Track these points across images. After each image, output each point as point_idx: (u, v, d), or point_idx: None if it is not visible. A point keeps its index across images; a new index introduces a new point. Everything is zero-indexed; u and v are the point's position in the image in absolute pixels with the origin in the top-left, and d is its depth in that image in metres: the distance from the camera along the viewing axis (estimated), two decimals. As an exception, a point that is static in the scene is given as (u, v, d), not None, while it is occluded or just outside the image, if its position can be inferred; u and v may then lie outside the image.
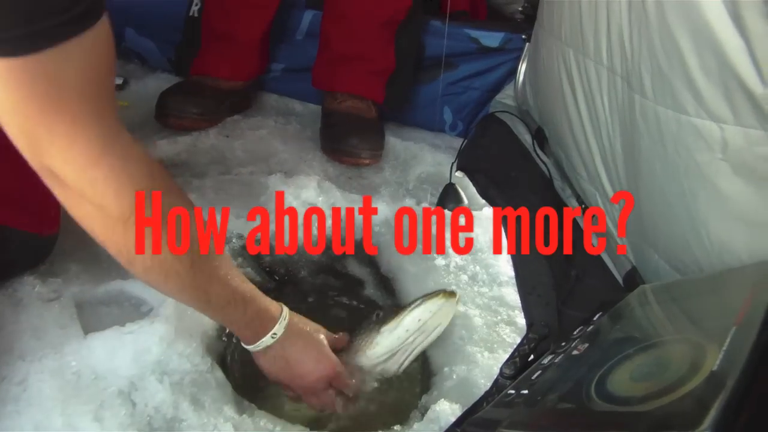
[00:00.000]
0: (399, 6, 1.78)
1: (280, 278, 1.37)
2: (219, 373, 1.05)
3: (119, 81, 2.05)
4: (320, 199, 1.49)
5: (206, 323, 1.12)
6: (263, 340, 1.03)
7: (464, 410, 0.93)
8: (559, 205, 1.38)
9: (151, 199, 0.84)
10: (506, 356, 1.09)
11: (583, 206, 1.33)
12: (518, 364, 0.93)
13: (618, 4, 1.09)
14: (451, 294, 1.14)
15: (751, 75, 0.77)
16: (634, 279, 1.11)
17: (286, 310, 1.06)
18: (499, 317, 1.21)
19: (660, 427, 0.54)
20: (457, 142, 1.72)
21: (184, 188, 1.49)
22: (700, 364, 0.63)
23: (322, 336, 1.10)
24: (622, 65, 1.09)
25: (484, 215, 1.49)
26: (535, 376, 0.82)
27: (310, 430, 1.03)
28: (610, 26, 1.13)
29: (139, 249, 0.85)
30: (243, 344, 1.06)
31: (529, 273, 1.25)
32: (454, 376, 1.10)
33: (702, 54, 0.84)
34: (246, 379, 1.12)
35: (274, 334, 1.03)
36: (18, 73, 0.68)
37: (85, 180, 0.79)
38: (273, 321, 1.03)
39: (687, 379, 0.61)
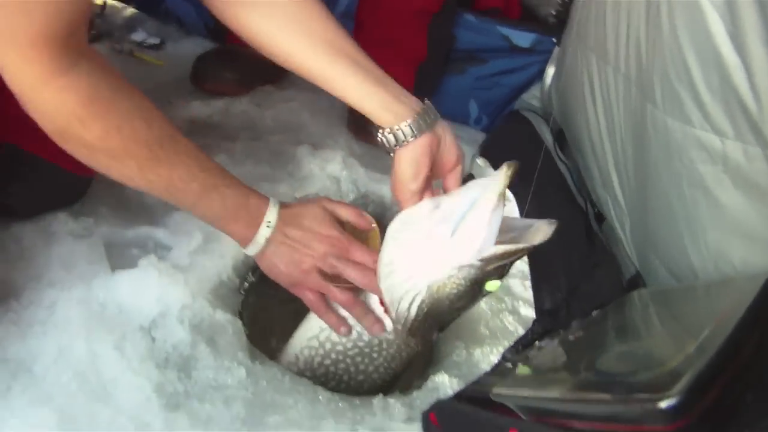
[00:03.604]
0: None
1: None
2: (235, 322, 1.10)
3: (156, 41, 2.11)
4: (344, 173, 1.55)
5: (226, 273, 1.18)
6: (259, 232, 1.01)
7: (464, 385, 0.99)
8: (578, 205, 1.44)
9: (98, 102, 0.87)
10: (506, 343, 1.16)
11: (595, 210, 1.39)
12: (520, 350, 0.99)
13: (637, 14, 1.14)
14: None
15: (749, 95, 0.82)
16: (636, 283, 1.17)
17: (274, 199, 1.05)
18: (503, 305, 1.27)
19: (635, 390, 0.60)
20: (480, 136, 1.78)
21: (215, 150, 1.58)
22: (679, 352, 0.69)
23: (320, 209, 1.06)
24: (637, 73, 1.14)
25: (507, 208, 1.52)
26: (531, 353, 0.89)
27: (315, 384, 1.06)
28: (629, 34, 1.18)
29: (92, 139, 0.88)
30: (244, 250, 1.04)
31: (543, 263, 1.31)
32: (455, 355, 1.15)
33: (706, 69, 0.90)
34: (259, 332, 1.16)
35: (269, 222, 1.02)
36: None
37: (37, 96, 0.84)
38: (262, 208, 1.02)
39: (666, 360, 0.67)
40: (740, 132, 0.86)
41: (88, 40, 1.87)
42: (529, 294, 1.31)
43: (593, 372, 0.72)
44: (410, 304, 0.94)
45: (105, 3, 2.22)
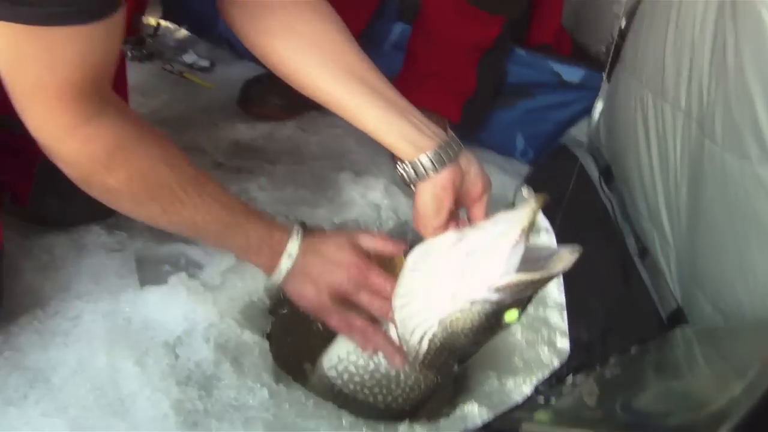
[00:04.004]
0: (487, 34, 1.81)
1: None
2: (263, 343, 1.08)
3: (206, 63, 2.15)
4: (385, 201, 1.53)
5: (257, 294, 1.16)
6: (281, 263, 1.01)
7: (493, 416, 0.95)
8: (619, 240, 1.39)
9: (123, 150, 0.89)
10: (540, 374, 1.11)
11: (640, 246, 1.34)
12: (554, 384, 0.95)
13: (702, 50, 1.11)
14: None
15: None
16: (678, 318, 1.12)
17: (300, 228, 1.04)
18: (539, 336, 1.22)
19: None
20: (525, 169, 1.76)
21: (257, 172, 1.58)
22: (724, 393, 0.64)
23: (344, 238, 1.05)
24: (698, 110, 1.11)
25: (542, 238, 1.49)
26: (565, 389, 0.84)
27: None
28: (692, 72, 1.15)
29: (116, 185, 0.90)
30: (270, 279, 1.04)
31: (579, 296, 1.26)
32: (487, 385, 1.11)
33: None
34: (287, 355, 1.13)
35: (290, 254, 1.01)
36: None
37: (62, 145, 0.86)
38: (284, 240, 1.02)
39: (708, 403, 0.63)
40: None
41: (141, 59, 1.91)
42: (565, 325, 1.26)
43: (629, 412, 0.68)
44: (422, 338, 0.91)
45: (158, 24, 2.28)
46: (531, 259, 0.85)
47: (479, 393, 1.10)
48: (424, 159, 0.94)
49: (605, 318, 1.18)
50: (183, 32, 2.30)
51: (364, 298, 1.01)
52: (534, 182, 1.64)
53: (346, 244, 1.03)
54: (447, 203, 0.95)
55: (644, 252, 1.32)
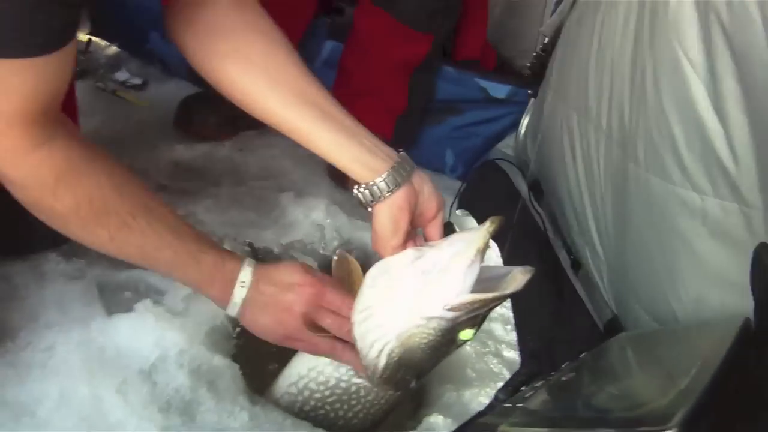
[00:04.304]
0: (417, 51, 1.87)
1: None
2: (233, 366, 1.12)
3: (139, 81, 2.13)
4: (328, 221, 1.58)
5: (220, 319, 1.20)
6: (234, 293, 1.01)
7: (460, 424, 1.00)
8: (551, 254, 1.49)
9: (71, 175, 0.89)
10: (493, 384, 1.19)
11: (572, 257, 1.45)
12: (512, 391, 1.01)
13: (621, 76, 1.20)
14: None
15: (729, 157, 0.90)
16: (614, 326, 1.22)
17: (252, 257, 1.04)
18: (487, 349, 1.31)
19: (638, 423, 0.65)
20: (456, 184, 1.82)
21: (200, 195, 1.61)
22: (672, 388, 0.73)
23: (297, 263, 1.05)
24: (620, 132, 1.21)
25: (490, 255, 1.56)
26: (528, 395, 0.92)
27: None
28: (612, 95, 1.24)
29: (63, 210, 0.90)
30: (225, 312, 1.04)
31: (523, 309, 1.35)
32: (446, 397, 1.18)
33: (688, 133, 0.97)
34: (256, 377, 1.17)
35: (243, 282, 1.00)
36: None
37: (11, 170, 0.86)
38: (236, 269, 1.01)
39: (659, 397, 0.71)
40: (718, 190, 0.93)
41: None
42: (510, 337, 1.35)
43: (592, 410, 0.77)
44: (380, 352, 0.94)
45: (90, 40, 2.23)
46: (484, 279, 0.91)
47: (440, 405, 1.17)
48: (379, 181, 0.96)
49: (548, 329, 1.27)
50: (114, 49, 2.27)
51: (323, 319, 1.02)
52: (465, 199, 1.72)
53: (298, 268, 1.04)
54: (403, 223, 0.98)
55: (576, 264, 1.42)
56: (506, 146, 1.93)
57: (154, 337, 1.10)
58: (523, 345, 1.28)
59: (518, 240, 1.52)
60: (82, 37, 2.22)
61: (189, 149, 1.83)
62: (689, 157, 0.97)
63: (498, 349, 1.31)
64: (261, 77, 1.00)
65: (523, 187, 1.70)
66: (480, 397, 1.19)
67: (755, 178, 0.87)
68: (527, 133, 1.84)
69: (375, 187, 0.97)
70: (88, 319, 1.12)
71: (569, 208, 1.44)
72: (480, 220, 1.62)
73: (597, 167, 1.31)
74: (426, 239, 1.05)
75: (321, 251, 1.53)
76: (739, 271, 0.87)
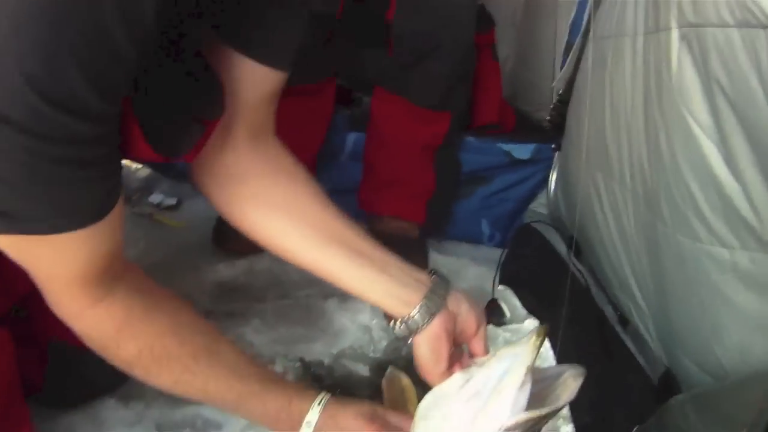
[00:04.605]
0: (437, 131, 1.87)
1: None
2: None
3: (173, 201, 2.14)
4: (374, 322, 1.57)
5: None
6: None
7: None
8: (596, 312, 1.47)
9: (131, 326, 0.91)
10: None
11: (618, 313, 1.42)
12: None
13: (637, 132, 1.21)
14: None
15: (749, 211, 0.91)
16: (668, 381, 1.21)
17: (323, 395, 1.00)
18: (544, 429, 1.27)
19: None
20: (496, 253, 1.77)
21: (248, 315, 1.60)
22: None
23: (365, 408, 1.01)
24: (644, 191, 1.22)
25: (527, 328, 1.53)
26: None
27: None
28: (632, 152, 1.26)
29: (127, 357, 0.92)
30: None
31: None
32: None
33: (707, 191, 0.99)
34: None
35: (309, 422, 0.98)
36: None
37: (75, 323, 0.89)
38: (303, 409, 0.98)
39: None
40: (745, 243, 0.94)
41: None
42: (566, 409, 1.30)
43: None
44: None
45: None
46: (536, 382, 0.89)
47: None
48: (414, 314, 0.96)
49: (602, 394, 1.24)
50: (144, 170, 2.28)
51: None
52: (507, 269, 1.71)
53: (364, 415, 1.00)
54: (445, 351, 0.97)
55: (624, 320, 1.40)
56: (539, 205, 1.94)
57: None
58: (576, 417, 1.24)
59: (562, 301, 1.50)
60: None
61: (230, 267, 1.82)
62: (711, 214, 0.99)
63: (555, 426, 1.26)
64: (283, 220, 1.02)
65: (560, 246, 1.68)
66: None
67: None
68: (557, 188, 1.83)
69: (410, 321, 0.97)
70: (147, 467, 1.11)
71: (607, 264, 1.44)
72: (528, 290, 1.61)
73: (628, 224, 1.31)
74: (471, 355, 1.03)
75: (371, 354, 1.51)
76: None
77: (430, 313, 0.96)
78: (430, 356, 0.98)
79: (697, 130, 0.97)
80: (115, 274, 0.88)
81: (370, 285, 0.98)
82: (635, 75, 1.21)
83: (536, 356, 0.88)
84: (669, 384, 1.20)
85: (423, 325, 0.96)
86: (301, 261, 1.02)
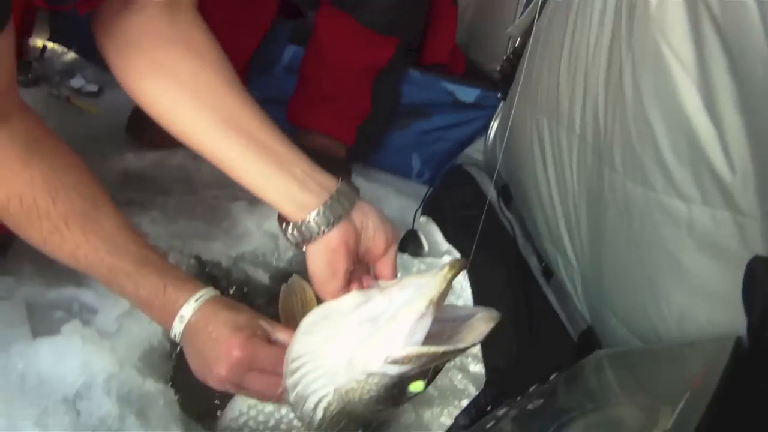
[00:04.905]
0: (380, 55, 1.81)
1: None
2: (167, 391, 1.02)
3: (94, 88, 2.08)
4: None
5: (156, 338, 1.10)
6: (174, 325, 0.90)
7: None
8: (521, 261, 1.40)
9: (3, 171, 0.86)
10: (457, 402, 1.10)
11: (543, 264, 1.36)
12: (473, 415, 0.92)
13: (596, 77, 1.13)
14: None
15: (722, 162, 0.80)
16: (589, 339, 1.14)
17: (205, 292, 0.92)
18: (452, 363, 1.21)
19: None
20: (423, 190, 1.76)
21: (148, 204, 1.52)
22: (651, 428, 0.64)
23: (241, 318, 0.91)
24: (594, 137, 1.13)
25: (444, 262, 1.48)
26: (488, 426, 0.83)
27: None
28: (586, 98, 1.17)
29: None
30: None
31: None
32: (403, 418, 1.08)
33: (674, 136, 0.88)
34: (194, 401, 1.06)
35: (182, 317, 0.90)
36: None
37: None
38: (177, 299, 0.90)
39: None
40: (708, 198, 0.84)
41: (25, 84, 1.81)
42: (477, 349, 1.24)
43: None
44: (316, 405, 0.84)
45: (45, 46, 2.19)
46: (444, 320, 0.82)
47: (397, 427, 1.06)
48: (309, 220, 0.87)
49: (517, 341, 1.18)
50: (71, 55, 2.22)
51: (250, 383, 0.89)
52: (431, 204, 1.64)
53: (233, 324, 0.90)
54: (342, 266, 0.88)
55: (548, 272, 1.34)
56: (475, 151, 1.87)
57: (80, 362, 1.00)
58: (488, 359, 1.18)
59: (486, 248, 1.43)
60: (39, 43, 2.17)
61: (140, 158, 1.75)
62: (674, 162, 0.88)
63: (463, 363, 1.20)
64: (185, 97, 0.92)
65: (491, 192, 1.61)
66: (441, 418, 1.08)
67: (752, 183, 0.77)
68: (496, 137, 1.77)
69: (304, 227, 0.87)
70: (10, 343, 1.02)
71: (540, 214, 1.36)
72: (447, 227, 1.54)
73: (570, 173, 1.23)
74: (376, 278, 0.93)
75: (274, 262, 1.43)
76: (730, 285, 0.79)
77: (327, 222, 0.87)
78: (324, 269, 0.89)
79: (673, 65, 0.85)
80: (1, 113, 0.84)
81: (266, 181, 0.89)
82: (605, 8, 1.11)
83: (444, 290, 0.79)
84: (590, 342, 1.13)
85: (318, 234, 0.87)
86: (195, 144, 0.93)
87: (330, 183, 0.90)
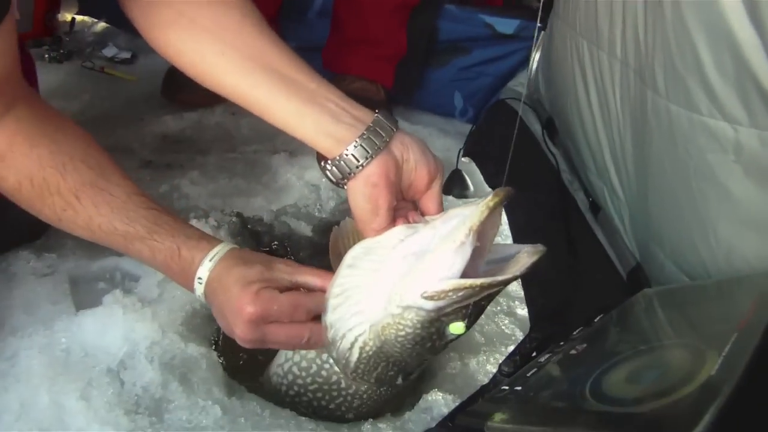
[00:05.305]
0: None
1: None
2: (210, 354, 1.02)
3: (128, 55, 2.10)
4: (323, 180, 1.44)
5: (198, 302, 1.07)
6: (195, 287, 0.89)
7: (458, 403, 0.89)
8: (567, 197, 1.35)
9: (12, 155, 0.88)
10: (504, 349, 1.06)
11: (590, 199, 1.31)
12: (518, 362, 0.88)
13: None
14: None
15: None
16: (638, 276, 1.08)
17: (219, 249, 0.89)
18: (499, 308, 1.18)
19: (651, 430, 0.52)
20: (467, 128, 1.72)
21: (188, 164, 1.52)
22: (698, 370, 0.60)
23: (253, 272, 0.87)
24: (636, 59, 1.06)
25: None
26: (531, 373, 0.80)
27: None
28: (626, 19, 1.10)
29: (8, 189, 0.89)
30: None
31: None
32: (449, 368, 1.06)
33: (718, 53, 0.80)
34: (237, 362, 1.06)
35: (200, 279, 0.88)
36: None
37: None
38: (195, 262, 0.89)
39: (683, 383, 0.59)
40: (756, 118, 0.77)
41: (58, 59, 1.83)
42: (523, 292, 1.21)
43: (598, 397, 0.64)
44: (352, 345, 0.82)
45: (74, 19, 2.19)
46: (493, 261, 0.78)
47: (442, 377, 1.04)
48: (347, 154, 0.82)
49: (563, 281, 1.13)
50: (101, 25, 2.23)
51: (270, 339, 0.86)
52: (475, 143, 1.60)
53: (243, 279, 0.86)
54: (384, 201, 0.84)
55: (596, 207, 1.28)
56: (518, 84, 1.79)
57: (122, 332, 1.00)
58: (532, 303, 1.13)
59: (532, 184, 1.38)
60: (66, 17, 2.18)
61: (178, 119, 1.75)
62: (719, 81, 0.81)
63: (510, 307, 1.16)
64: (209, 41, 0.89)
65: (536, 127, 1.55)
66: (488, 366, 1.06)
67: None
68: (539, 68, 1.69)
69: (342, 162, 0.84)
70: (53, 319, 1.03)
71: (585, 145, 1.30)
72: (494, 164, 1.50)
73: (613, 99, 1.16)
74: (422, 214, 0.89)
75: (316, 214, 1.41)
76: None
77: (365, 155, 0.83)
78: (366, 205, 0.84)
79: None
80: (5, 100, 0.86)
81: (298, 116, 0.85)
82: None
83: (485, 218, 0.75)
84: (638, 280, 1.07)
85: (357, 169, 0.83)
86: (225, 88, 0.90)
87: (366, 115, 0.86)
